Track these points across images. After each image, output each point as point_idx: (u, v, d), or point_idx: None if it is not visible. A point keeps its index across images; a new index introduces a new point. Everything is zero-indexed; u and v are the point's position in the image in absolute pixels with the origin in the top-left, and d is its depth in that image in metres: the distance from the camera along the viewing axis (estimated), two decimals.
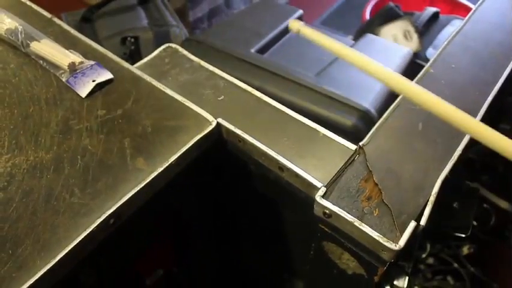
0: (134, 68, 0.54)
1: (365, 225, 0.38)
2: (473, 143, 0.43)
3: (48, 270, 0.36)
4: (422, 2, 1.71)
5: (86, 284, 0.46)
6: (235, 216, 0.67)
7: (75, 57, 0.52)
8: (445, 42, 0.58)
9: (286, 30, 1.05)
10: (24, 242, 0.37)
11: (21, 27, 0.54)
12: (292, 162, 0.45)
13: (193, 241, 0.66)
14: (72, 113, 0.48)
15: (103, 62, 0.53)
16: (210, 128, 0.47)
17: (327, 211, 0.40)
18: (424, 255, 0.65)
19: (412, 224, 0.38)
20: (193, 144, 0.46)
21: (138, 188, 0.41)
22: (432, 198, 0.40)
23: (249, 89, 0.54)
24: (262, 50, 1.00)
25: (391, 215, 0.39)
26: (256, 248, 0.71)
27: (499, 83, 0.52)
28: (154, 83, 0.52)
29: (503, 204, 0.68)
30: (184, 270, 0.69)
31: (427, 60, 0.89)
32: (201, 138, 0.46)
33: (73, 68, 0.51)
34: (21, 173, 0.42)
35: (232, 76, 0.56)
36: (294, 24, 0.41)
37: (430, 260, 0.66)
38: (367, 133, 0.46)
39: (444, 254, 0.66)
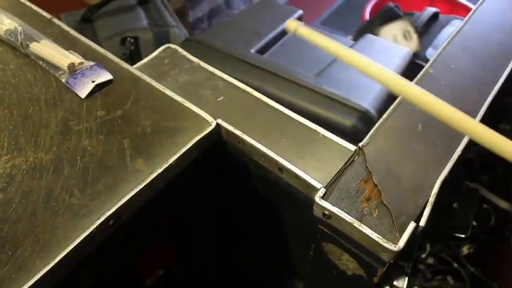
0: (134, 69, 0.54)
1: (364, 226, 0.38)
2: (473, 144, 0.43)
3: (48, 271, 0.36)
4: (422, 2, 1.71)
5: (86, 285, 0.46)
6: (235, 217, 0.67)
7: (75, 58, 0.52)
8: (445, 43, 0.58)
9: (286, 31, 1.05)
10: (23, 243, 0.37)
11: (20, 27, 0.54)
12: (291, 163, 0.45)
13: (193, 241, 0.66)
14: (71, 114, 0.48)
15: (103, 63, 0.53)
16: (209, 128, 0.47)
17: (327, 212, 0.40)
18: (423, 256, 0.65)
19: (412, 225, 0.38)
20: (192, 145, 0.46)
21: (138, 189, 0.41)
22: (432, 199, 0.40)
23: (249, 89, 0.54)
24: (262, 51, 1.00)
25: (390, 215, 0.39)
26: (256, 249, 0.71)
27: (499, 83, 0.52)
28: (154, 83, 0.52)
29: (503, 204, 0.68)
30: (184, 270, 0.69)
31: (426, 60, 0.88)
32: (200, 139, 0.46)
33: (73, 68, 0.51)
34: (21, 174, 0.42)
35: (232, 76, 0.56)
36: (291, 24, 0.41)
37: (430, 260, 0.66)
38: (367, 134, 0.46)
39: (444, 254, 0.66)
